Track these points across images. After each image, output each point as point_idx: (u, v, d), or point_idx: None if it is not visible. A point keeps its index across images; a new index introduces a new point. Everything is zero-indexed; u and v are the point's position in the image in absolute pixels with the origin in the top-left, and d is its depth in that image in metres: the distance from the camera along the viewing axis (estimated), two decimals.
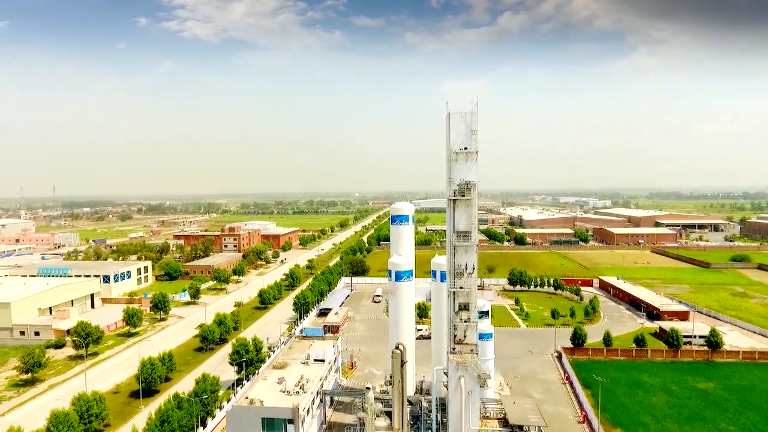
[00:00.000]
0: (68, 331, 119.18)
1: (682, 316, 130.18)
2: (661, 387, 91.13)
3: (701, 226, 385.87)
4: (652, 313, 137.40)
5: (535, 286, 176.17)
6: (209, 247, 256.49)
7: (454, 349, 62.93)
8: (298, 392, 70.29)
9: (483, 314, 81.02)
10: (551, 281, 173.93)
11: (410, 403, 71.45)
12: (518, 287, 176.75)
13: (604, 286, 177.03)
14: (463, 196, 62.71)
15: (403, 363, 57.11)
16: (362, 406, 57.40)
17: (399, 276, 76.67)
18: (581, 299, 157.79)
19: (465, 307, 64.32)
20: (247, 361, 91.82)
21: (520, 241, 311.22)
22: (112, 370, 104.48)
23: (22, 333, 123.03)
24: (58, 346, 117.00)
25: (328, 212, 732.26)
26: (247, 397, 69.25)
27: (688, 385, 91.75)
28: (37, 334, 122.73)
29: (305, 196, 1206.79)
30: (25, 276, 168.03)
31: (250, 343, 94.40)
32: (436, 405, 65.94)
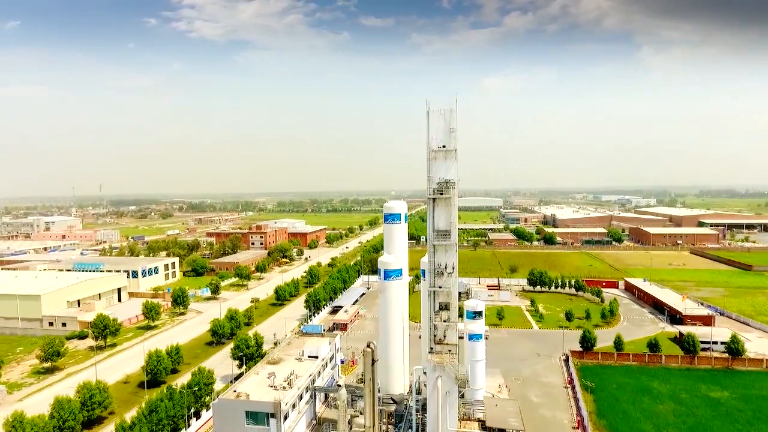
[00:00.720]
0: (92, 323, 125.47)
1: (706, 320, 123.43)
2: (671, 394, 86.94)
3: (750, 226, 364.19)
4: (675, 317, 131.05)
5: (556, 287, 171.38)
6: (237, 244, 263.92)
7: (432, 349, 62.33)
8: (284, 387, 71.38)
9: (476, 315, 79.73)
10: (572, 282, 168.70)
11: (395, 402, 71.31)
12: (538, 288, 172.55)
13: (630, 288, 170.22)
14: (442, 194, 61.91)
15: (373, 361, 57.10)
16: (335, 404, 57.70)
17: (388, 275, 76.08)
18: (602, 301, 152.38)
19: (445, 307, 63.58)
20: (248, 355, 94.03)
21: (549, 240, 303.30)
22: (127, 361, 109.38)
23: (51, 324, 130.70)
24: (81, 337, 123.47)
25: (361, 210, 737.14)
26: (234, 391, 70.85)
27: (700, 394, 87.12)
28: (64, 325, 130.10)
29: (341, 195, 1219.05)
30: (61, 270, 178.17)
31: (251, 339, 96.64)
32: (416, 405, 65.52)
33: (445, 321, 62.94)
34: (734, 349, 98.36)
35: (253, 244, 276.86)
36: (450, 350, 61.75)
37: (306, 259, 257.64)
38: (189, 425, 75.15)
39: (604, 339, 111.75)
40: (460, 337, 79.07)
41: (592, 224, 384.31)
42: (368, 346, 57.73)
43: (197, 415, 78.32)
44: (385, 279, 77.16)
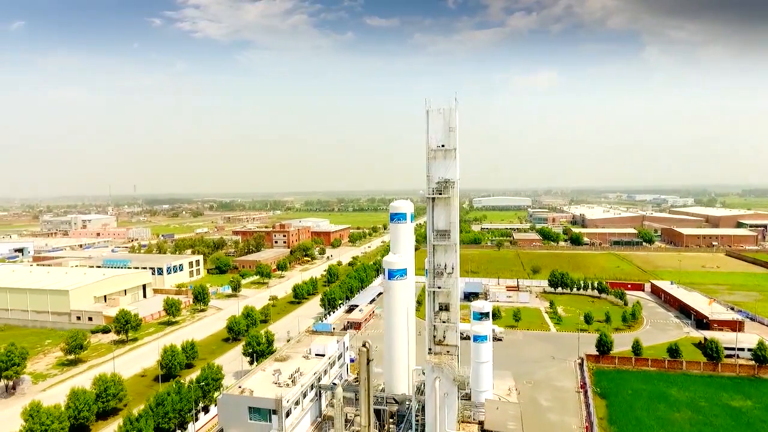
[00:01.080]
0: (114, 318, 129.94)
1: (734, 325, 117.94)
2: (689, 402, 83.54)
3: None
4: (702, 322, 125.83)
5: (578, 288, 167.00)
6: (261, 243, 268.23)
7: (430, 350, 61.84)
8: (288, 384, 72.29)
9: (482, 316, 78.66)
10: (595, 284, 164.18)
11: (396, 402, 71.06)
12: (559, 289, 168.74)
13: (656, 291, 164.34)
14: (441, 194, 61.32)
15: (369, 361, 57.04)
16: (331, 403, 57.89)
17: (392, 275, 75.75)
18: (625, 304, 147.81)
19: (445, 308, 63.01)
20: (258, 352, 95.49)
21: (575, 240, 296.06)
22: (147, 355, 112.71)
23: (78, 318, 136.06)
24: (105, 331, 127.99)
25: (387, 209, 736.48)
26: (239, 387, 72.19)
27: (721, 402, 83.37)
28: (90, 319, 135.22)
29: (369, 194, 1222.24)
30: (91, 267, 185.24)
31: (262, 336, 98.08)
32: (417, 405, 65.10)
33: (444, 322, 62.42)
34: (761, 356, 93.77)
35: (276, 242, 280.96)
36: (448, 351, 61.11)
37: (328, 258, 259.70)
38: (197, 419, 76.88)
39: (624, 343, 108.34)
40: (466, 338, 78.32)
41: (623, 224, 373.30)
42: (363, 345, 57.74)
43: (206, 410, 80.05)
44: (389, 278, 76.88)
